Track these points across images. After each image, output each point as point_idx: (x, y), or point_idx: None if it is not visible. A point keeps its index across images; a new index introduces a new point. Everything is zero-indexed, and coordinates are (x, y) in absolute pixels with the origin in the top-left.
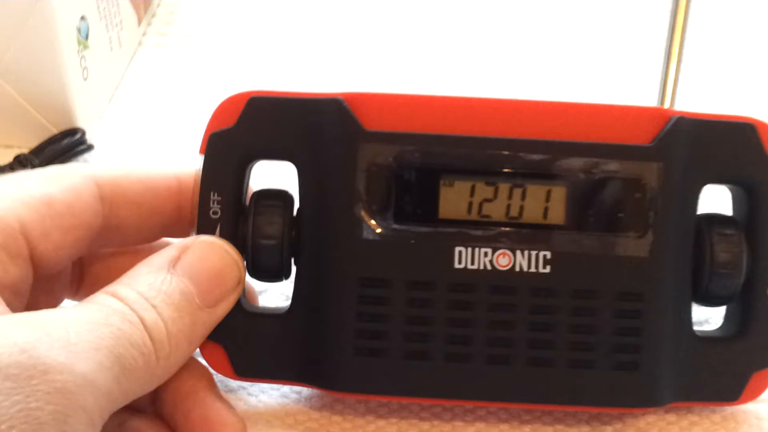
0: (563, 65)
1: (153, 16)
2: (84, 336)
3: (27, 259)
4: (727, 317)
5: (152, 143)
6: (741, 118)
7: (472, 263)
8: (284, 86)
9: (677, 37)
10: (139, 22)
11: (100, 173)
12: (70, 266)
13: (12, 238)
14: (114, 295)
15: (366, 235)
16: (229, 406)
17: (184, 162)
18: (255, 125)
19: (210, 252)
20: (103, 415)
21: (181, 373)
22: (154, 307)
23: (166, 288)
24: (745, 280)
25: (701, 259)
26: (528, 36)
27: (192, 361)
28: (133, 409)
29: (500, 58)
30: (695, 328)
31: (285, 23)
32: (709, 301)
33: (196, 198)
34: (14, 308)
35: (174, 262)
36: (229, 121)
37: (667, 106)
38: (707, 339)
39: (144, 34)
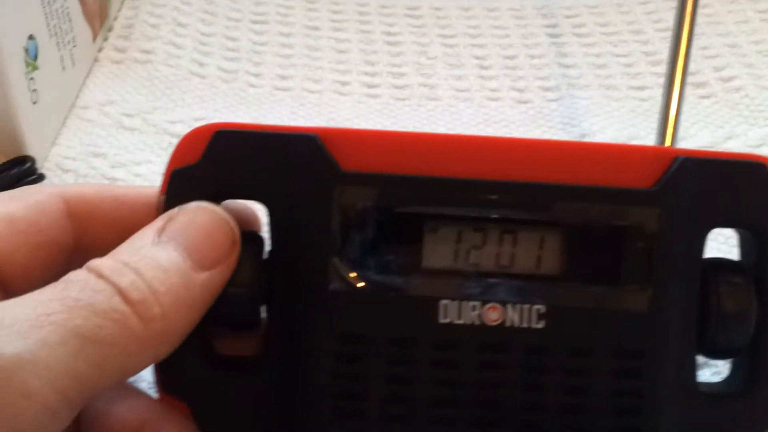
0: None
1: (109, 30)
2: (23, 317)
3: None
4: (734, 370)
5: (110, 171)
6: (750, 156)
7: (459, 318)
8: (251, 108)
9: (679, 69)
10: (94, 37)
11: (69, 189)
12: None
13: None
14: (87, 268)
15: (342, 287)
16: None
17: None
18: (221, 162)
19: (197, 215)
20: (70, 396)
21: None
22: (134, 269)
23: (150, 253)
24: (755, 331)
25: (707, 308)
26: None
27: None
28: None
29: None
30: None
31: (250, 35)
32: (716, 353)
33: None
34: None
35: (160, 232)
36: (193, 157)
37: (668, 142)
38: (712, 396)
39: (100, 50)
